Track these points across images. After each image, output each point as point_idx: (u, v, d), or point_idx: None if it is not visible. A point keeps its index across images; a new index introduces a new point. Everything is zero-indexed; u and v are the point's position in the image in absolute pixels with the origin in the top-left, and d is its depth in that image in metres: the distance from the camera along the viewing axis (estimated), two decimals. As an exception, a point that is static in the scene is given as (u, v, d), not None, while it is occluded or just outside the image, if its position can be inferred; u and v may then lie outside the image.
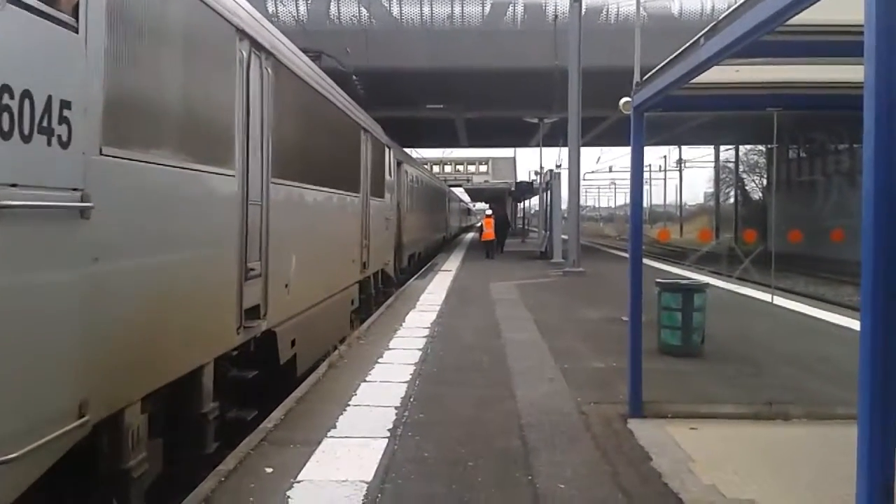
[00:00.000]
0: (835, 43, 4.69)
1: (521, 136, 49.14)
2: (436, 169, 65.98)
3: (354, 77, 26.11)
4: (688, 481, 5.38)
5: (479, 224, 62.62)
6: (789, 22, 3.88)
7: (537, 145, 44.82)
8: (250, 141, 6.98)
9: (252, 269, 6.97)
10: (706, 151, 70.14)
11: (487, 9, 29.32)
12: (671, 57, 5.71)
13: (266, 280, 7.42)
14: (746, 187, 61.32)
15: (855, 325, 11.87)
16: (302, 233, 9.14)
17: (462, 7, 29.23)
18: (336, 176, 11.36)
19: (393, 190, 19.32)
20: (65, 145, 3.83)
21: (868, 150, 2.92)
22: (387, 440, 6.41)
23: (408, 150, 34.51)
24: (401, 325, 12.79)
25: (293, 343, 8.63)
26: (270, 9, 27.48)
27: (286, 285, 8.15)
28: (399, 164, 21.32)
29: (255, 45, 7.17)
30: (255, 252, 7.14)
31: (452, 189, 62.18)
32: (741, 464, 5.76)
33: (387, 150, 17.75)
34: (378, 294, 16.70)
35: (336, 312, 11.59)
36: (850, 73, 5.49)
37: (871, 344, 2.89)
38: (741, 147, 59.42)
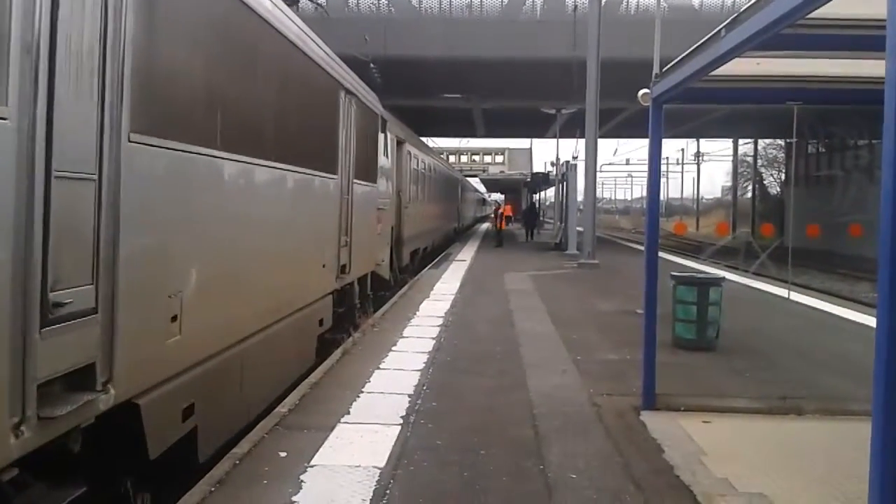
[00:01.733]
0: (856, 37, 4.66)
1: (538, 126, 49.00)
2: (451, 159, 65.99)
3: (372, 65, 26.16)
4: (699, 474, 5.39)
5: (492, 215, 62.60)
6: (810, 15, 3.86)
7: (554, 136, 44.69)
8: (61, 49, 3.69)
9: (64, 303, 3.74)
10: (724, 145, 69.66)
11: (507, -2, 29.21)
12: (691, 49, 5.68)
13: (112, 317, 4.21)
14: (764, 181, 60.92)
15: (871, 321, 11.88)
16: (214, 230, 5.81)
17: (481, -4, 29.15)
18: (292, 146, 7.74)
19: (391, 174, 16.36)
20: None
21: (888, 144, 2.90)
22: (400, 427, 6.45)
23: (425, 139, 34.53)
24: (415, 313, 12.82)
25: (188, 413, 5.32)
26: (289, -4, 27.46)
27: (174, 318, 5.02)
28: (400, 143, 18.57)
29: None
30: (79, 268, 3.94)
31: (467, 178, 61.88)
32: (753, 458, 5.75)
33: (382, 122, 14.28)
34: (367, 304, 13.11)
35: (288, 342, 8.02)
36: (870, 67, 5.46)
37: (887, 341, 2.89)
38: (760, 141, 59.00)
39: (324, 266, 9.47)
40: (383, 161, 14.60)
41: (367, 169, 12.35)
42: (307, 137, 8.54)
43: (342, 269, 10.53)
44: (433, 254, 27.46)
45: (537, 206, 52.64)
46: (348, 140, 10.67)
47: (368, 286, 13.35)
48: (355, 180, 11.10)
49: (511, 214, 38.18)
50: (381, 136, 14.11)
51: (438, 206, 31.15)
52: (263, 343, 7.02)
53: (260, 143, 6.73)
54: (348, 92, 10.66)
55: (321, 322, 9.56)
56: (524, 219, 40.71)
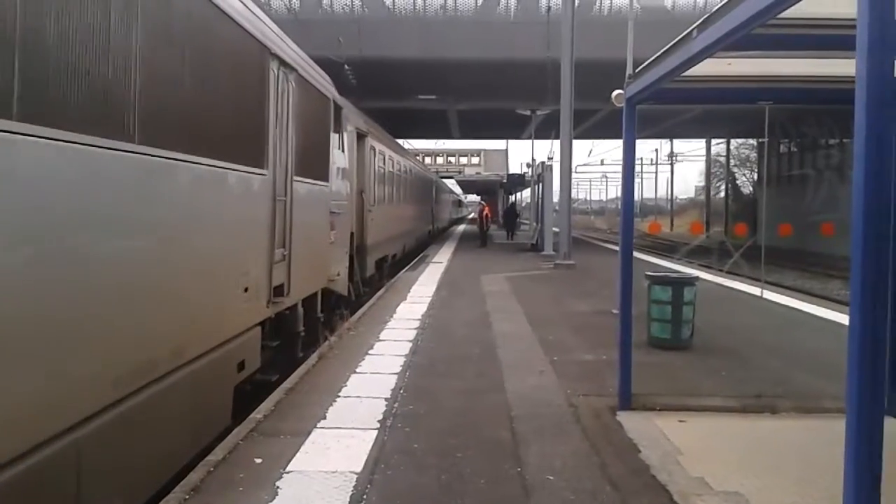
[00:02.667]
0: (827, 37, 4.70)
1: (514, 128, 49.13)
2: (427, 160, 65.93)
3: (346, 67, 26.09)
4: (676, 473, 5.41)
5: (471, 216, 62.77)
6: (782, 15, 3.88)
7: (529, 137, 44.82)
8: None
9: None
10: (698, 145, 70.29)
11: None
12: (664, 49, 5.70)
13: None
14: (737, 181, 61.53)
15: (843, 318, 11.99)
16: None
17: (455, -3, 29.19)
18: (178, 125, 5.49)
19: (350, 172, 13.84)
20: None
21: (859, 144, 2.92)
22: (377, 431, 6.41)
23: (401, 141, 34.25)
24: (391, 316, 12.78)
25: None
26: (262, -3, 27.32)
27: None
28: (362, 137, 16.17)
29: None
30: None
31: (442, 179, 61.73)
32: (729, 456, 5.78)
33: (336, 110, 11.68)
34: (316, 328, 10.71)
35: (174, 410, 5.55)
36: (842, 67, 5.51)
37: (860, 338, 2.91)
38: (732, 141, 59.60)
39: (246, 290, 6.99)
40: (339, 157, 12.06)
41: (314, 165, 9.94)
42: (207, 116, 5.96)
43: (277, 292, 8.16)
44: (404, 260, 25.30)
45: (516, 206, 53.30)
46: (283, 126, 8.24)
47: (319, 307, 10.79)
48: (297, 178, 8.84)
49: (490, 216, 38.82)
50: (335, 127, 11.61)
51: (410, 208, 28.82)
52: (124, 421, 4.68)
53: (115, 116, 4.55)
54: (284, 64, 8.29)
55: (241, 366, 7.05)
56: (504, 219, 43.95)
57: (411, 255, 27.64)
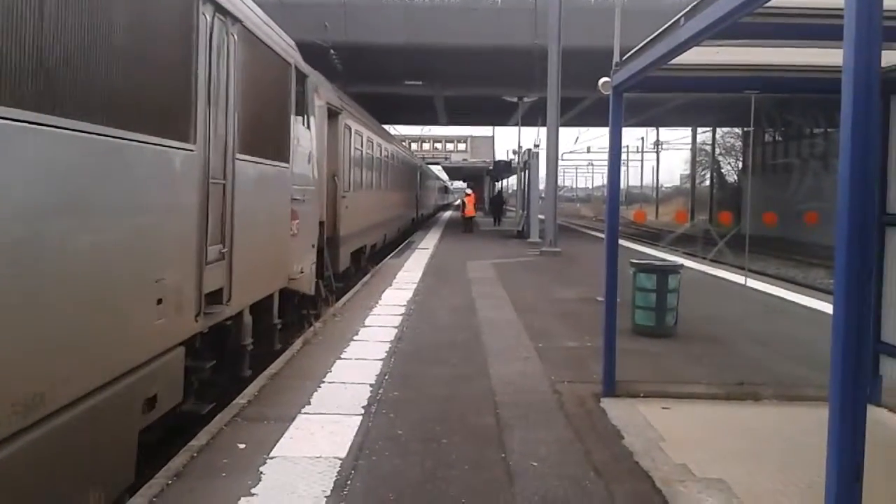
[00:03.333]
0: (814, 26, 4.70)
1: (500, 114, 49.08)
2: (414, 146, 65.74)
3: (332, 52, 25.94)
4: (659, 460, 5.44)
5: (457, 202, 62.87)
6: (769, 3, 3.88)
7: (516, 124, 44.80)
8: None
9: None
10: (683, 133, 70.48)
11: (468, -15, 29.13)
12: (651, 37, 5.69)
13: None
14: (722, 170, 61.77)
15: (825, 307, 12.07)
16: None
17: (442, -18, 29.06)
18: (49, 77, 3.95)
19: (319, 153, 11.67)
20: None
21: (845, 133, 2.93)
22: (361, 417, 6.40)
23: (387, 127, 33.97)
24: (377, 302, 12.76)
25: None
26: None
27: None
28: (334, 114, 14.42)
29: None
30: None
31: (429, 165, 61.52)
32: (712, 443, 5.82)
33: (298, 77, 9.80)
34: (272, 337, 9.02)
35: (29, 481, 3.88)
36: (829, 56, 5.51)
37: (844, 327, 2.92)
38: (718, 130, 59.78)
39: (159, 302, 5.27)
40: (303, 134, 10.12)
41: (269, 142, 8.29)
42: (90, 65, 4.34)
43: (213, 299, 6.53)
44: (386, 250, 23.75)
45: (503, 194, 53.78)
46: (221, 91, 6.54)
47: (276, 312, 9.05)
48: (243, 156, 7.14)
49: (476, 203, 39.67)
50: (298, 99, 9.82)
51: (392, 194, 26.78)
52: None
53: None
54: (223, 11, 6.62)
55: (152, 402, 5.33)
56: (491, 206, 45.64)
57: (393, 244, 26.25)
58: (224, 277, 6.78)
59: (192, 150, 5.87)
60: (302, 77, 10.09)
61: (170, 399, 5.71)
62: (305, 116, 10.35)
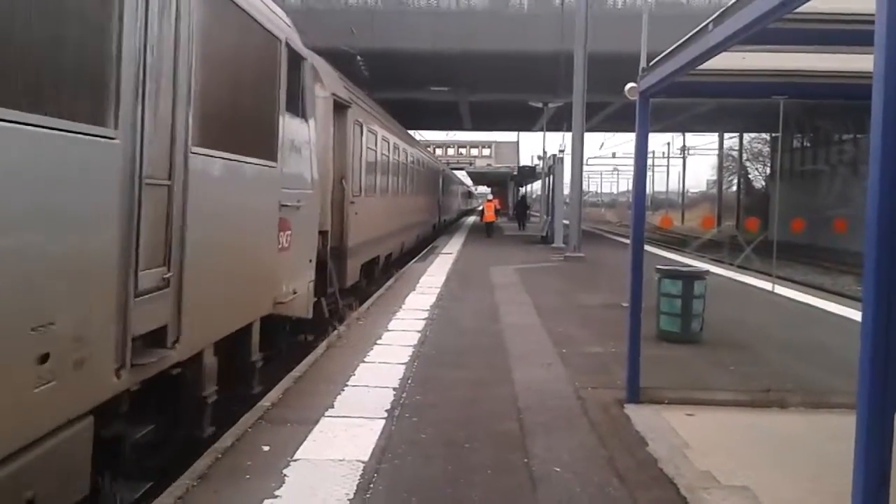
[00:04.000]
0: (844, 32, 4.66)
1: (525, 120, 49.01)
2: (438, 152, 65.80)
3: (359, 58, 26.06)
4: (683, 467, 5.40)
5: (480, 207, 63.05)
6: (798, 9, 3.85)
7: (541, 130, 44.69)
8: None
9: None
10: (710, 139, 70.00)
11: (494, -9, 29.16)
12: (678, 43, 5.67)
13: None
14: (749, 175, 61.27)
15: (854, 314, 11.91)
16: None
17: (468, -12, 29.11)
18: None
19: (321, 152, 10.20)
20: None
21: (875, 140, 2.90)
22: (384, 421, 6.42)
23: (412, 132, 33.88)
24: (400, 307, 12.79)
25: None
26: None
27: None
28: (342, 108, 12.50)
29: None
30: None
31: (453, 170, 61.44)
32: (737, 451, 5.77)
33: (289, 56, 7.92)
34: (251, 377, 7.36)
35: None
36: (858, 62, 5.46)
37: (873, 335, 2.89)
38: (745, 135, 59.31)
39: (45, 360, 3.71)
40: (298, 128, 8.37)
41: (247, 134, 6.75)
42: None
43: (152, 341, 5.01)
44: (403, 259, 22.06)
45: (526, 199, 54.25)
46: (163, 60, 4.99)
47: (254, 346, 7.30)
48: (202, 150, 5.56)
49: (500, 207, 40.84)
50: (292, 85, 8.02)
51: (412, 199, 24.84)
52: None
53: None
54: None
55: None
56: (516, 211, 47.27)
57: (411, 253, 24.42)
58: (168, 311, 5.13)
59: (110, 139, 4.25)
60: (297, 59, 8.29)
61: (64, 496, 4.04)
62: (302, 106, 8.51)
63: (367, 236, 14.82)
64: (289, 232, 7.94)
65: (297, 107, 8.34)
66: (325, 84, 11.26)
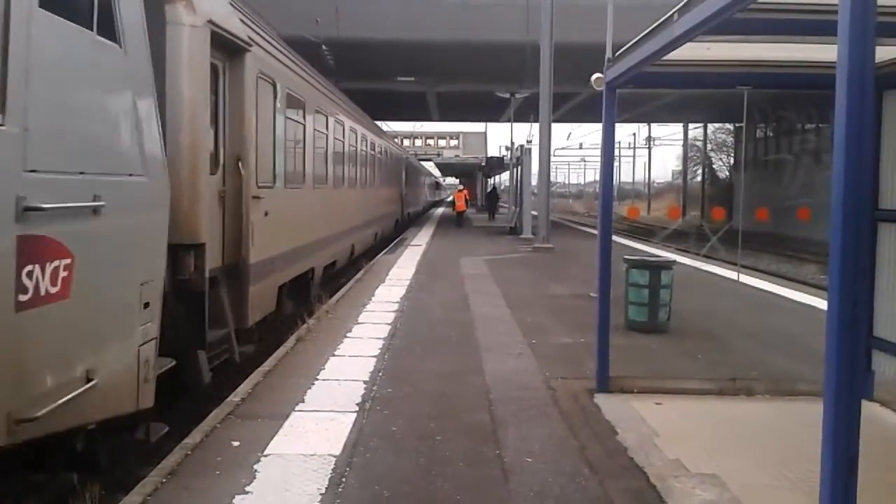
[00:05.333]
0: (808, 21, 4.71)
1: (493, 110, 49.04)
2: (406, 143, 65.54)
3: (324, 47, 25.86)
4: (653, 455, 5.44)
5: (450, 199, 63.04)
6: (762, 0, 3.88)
7: (508, 120, 44.80)
8: None
9: None
10: (675, 129, 70.64)
11: (460, -20, 29.07)
12: (644, 33, 5.69)
13: None
14: (714, 166, 61.93)
15: (817, 302, 12.09)
16: None
17: (435, -22, 28.97)
18: None
19: (175, 113, 6.85)
20: None
21: (839, 129, 2.93)
22: (355, 414, 6.39)
23: (379, 123, 33.47)
24: (370, 299, 12.75)
25: None
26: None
27: None
28: (237, 52, 8.42)
29: None
30: None
31: (421, 161, 61.12)
32: (705, 438, 5.84)
33: None
34: None
35: None
36: (822, 52, 5.52)
37: (838, 322, 2.92)
38: (710, 125, 59.90)
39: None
40: (96, 53, 4.83)
41: None
42: None
43: None
44: (353, 265, 18.79)
45: (496, 190, 54.56)
46: None
47: None
48: None
49: (469, 198, 41.44)
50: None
51: (366, 192, 21.20)
52: None
53: None
54: None
55: None
56: (486, 201, 46.73)
57: (369, 254, 21.43)
58: None
59: None
60: None
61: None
62: (108, 17, 4.94)
63: (288, 244, 10.58)
64: (63, 263, 4.23)
65: (89, 12, 4.75)
66: (195, 1, 7.07)
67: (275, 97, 9.88)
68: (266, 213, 9.18)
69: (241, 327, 8.46)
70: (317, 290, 13.26)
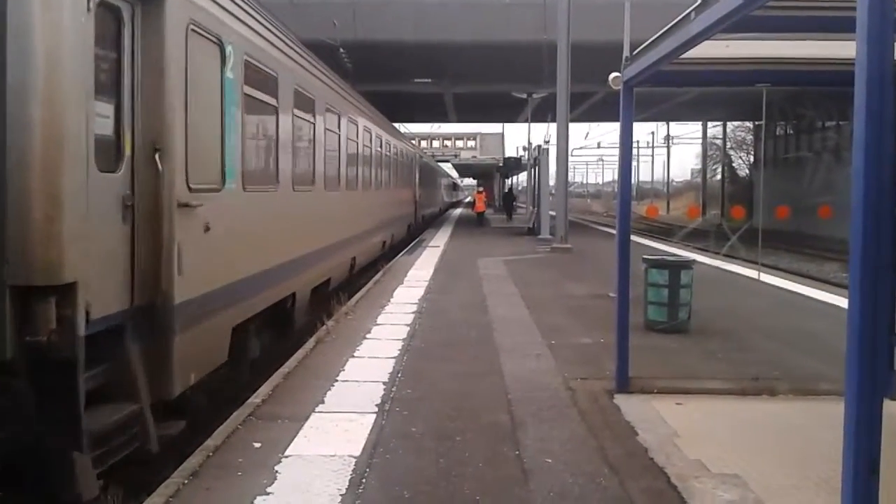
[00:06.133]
0: (826, 18, 4.67)
1: (510, 111, 48.96)
2: (423, 144, 65.51)
3: (341, 50, 25.94)
4: (673, 456, 5.42)
5: (467, 199, 62.98)
6: (780, -3, 3.86)
7: (526, 121, 44.69)
8: None
9: None
10: (694, 128, 70.26)
11: (476, -19, 29.05)
12: (661, 32, 5.67)
13: None
14: (733, 164, 61.52)
15: (839, 301, 11.96)
16: None
17: (451, -21, 28.98)
18: None
19: (45, 78, 4.61)
20: None
21: (858, 126, 2.91)
22: (375, 415, 6.41)
23: (397, 125, 33.10)
24: (389, 300, 12.77)
25: None
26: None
27: None
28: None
29: None
30: None
31: (438, 162, 60.96)
32: (726, 439, 5.80)
33: None
34: None
35: None
36: (841, 48, 5.48)
37: (859, 322, 2.91)
38: (729, 123, 59.52)
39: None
40: None
41: None
42: None
43: None
44: (353, 280, 15.87)
45: (512, 191, 55.30)
46: None
47: None
48: None
49: (487, 199, 43.16)
50: None
51: (371, 195, 18.43)
52: None
53: None
54: None
55: None
56: (503, 202, 49.34)
57: (375, 264, 19.04)
58: None
59: None
60: None
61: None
62: None
63: (249, 268, 7.80)
64: None
65: None
66: None
67: (224, 63, 7.03)
68: (207, 228, 6.44)
69: (163, 398, 5.76)
70: (305, 317, 10.76)
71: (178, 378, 5.89)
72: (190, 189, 6.13)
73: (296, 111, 10.16)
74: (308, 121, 11.11)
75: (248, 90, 7.88)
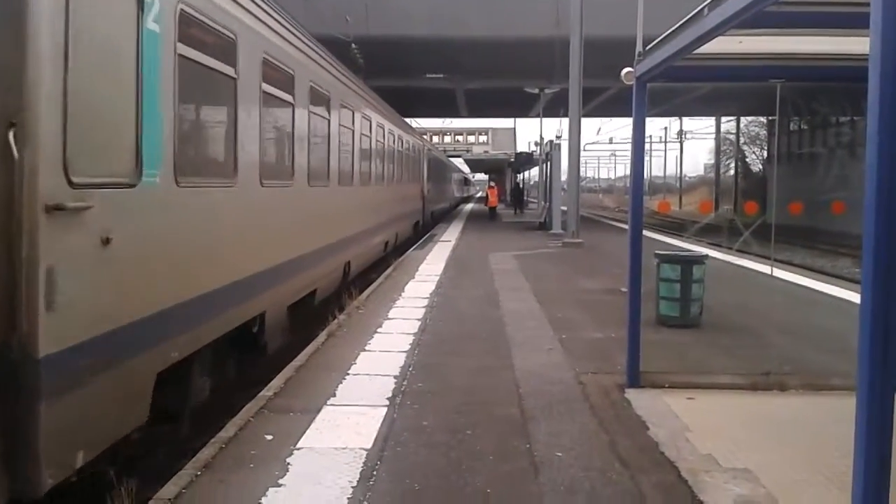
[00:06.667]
0: (839, 14, 4.66)
1: (522, 106, 48.90)
2: (435, 139, 65.48)
3: (354, 46, 25.95)
4: (684, 450, 5.43)
5: (478, 194, 62.99)
6: (794, -9, 3.85)
7: (538, 116, 44.62)
8: None
9: None
10: (707, 123, 69.89)
11: (489, -24, 28.99)
12: (674, 27, 5.66)
13: None
14: (747, 159, 61.21)
15: (852, 297, 11.90)
16: None
17: (463, -26, 28.94)
18: None
19: None
20: None
21: (872, 121, 2.91)
22: (386, 408, 6.44)
23: (408, 121, 32.84)
24: (400, 295, 12.80)
25: None
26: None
27: None
28: None
29: None
30: None
31: (450, 157, 60.88)
32: (738, 433, 5.80)
33: None
34: None
35: None
36: (854, 44, 5.46)
37: (872, 317, 2.91)
38: (742, 119, 59.22)
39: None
40: None
41: None
42: None
43: None
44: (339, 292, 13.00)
45: (522, 185, 55.93)
46: None
47: None
48: None
49: (499, 194, 44.10)
50: None
51: (369, 191, 16.41)
52: None
53: None
54: None
55: None
56: (513, 197, 51.12)
57: (378, 267, 17.71)
58: None
59: None
60: None
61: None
62: None
63: (183, 291, 5.92)
64: None
65: None
66: None
67: (142, 9, 5.08)
68: (106, 240, 4.61)
69: (25, 497, 4.02)
70: (280, 339, 9.00)
71: (50, 464, 4.03)
72: (71, 184, 4.21)
73: (268, 88, 8.01)
74: (285, 100, 8.98)
75: (185, 50, 5.82)
